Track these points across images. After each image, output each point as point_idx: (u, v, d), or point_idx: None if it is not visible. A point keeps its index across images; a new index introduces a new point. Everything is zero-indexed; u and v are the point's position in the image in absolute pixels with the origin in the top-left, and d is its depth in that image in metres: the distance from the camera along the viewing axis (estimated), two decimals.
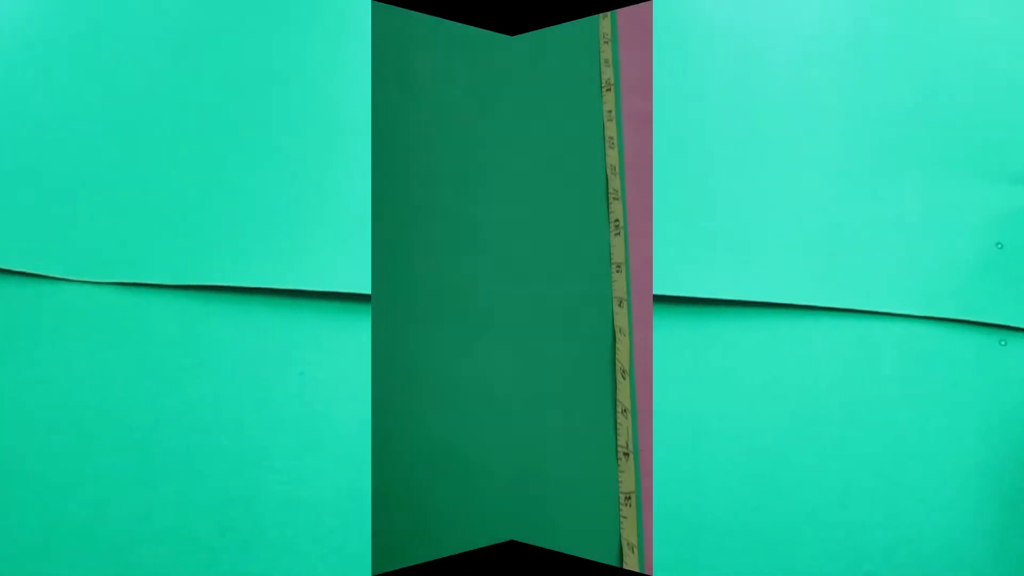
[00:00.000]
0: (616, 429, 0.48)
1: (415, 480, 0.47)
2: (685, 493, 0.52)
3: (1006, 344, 0.55)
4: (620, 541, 0.46)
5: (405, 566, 0.45)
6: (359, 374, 0.55)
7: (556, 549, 0.46)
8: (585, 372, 0.50)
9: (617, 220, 0.52)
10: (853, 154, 0.61)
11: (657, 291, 0.56)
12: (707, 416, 0.54)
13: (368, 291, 0.56)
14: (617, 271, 0.51)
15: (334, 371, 0.55)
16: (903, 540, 0.51)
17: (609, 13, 0.56)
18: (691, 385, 0.55)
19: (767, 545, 0.51)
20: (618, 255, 0.51)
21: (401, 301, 0.50)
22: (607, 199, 0.52)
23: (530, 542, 0.47)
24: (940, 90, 0.64)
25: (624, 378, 0.48)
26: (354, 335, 0.56)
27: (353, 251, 0.57)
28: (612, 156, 0.53)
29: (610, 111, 0.54)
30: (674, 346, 0.56)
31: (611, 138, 0.53)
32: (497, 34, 0.56)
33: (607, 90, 0.54)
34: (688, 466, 0.52)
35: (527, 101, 0.55)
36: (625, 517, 0.46)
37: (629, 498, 0.46)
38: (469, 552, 0.46)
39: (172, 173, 0.61)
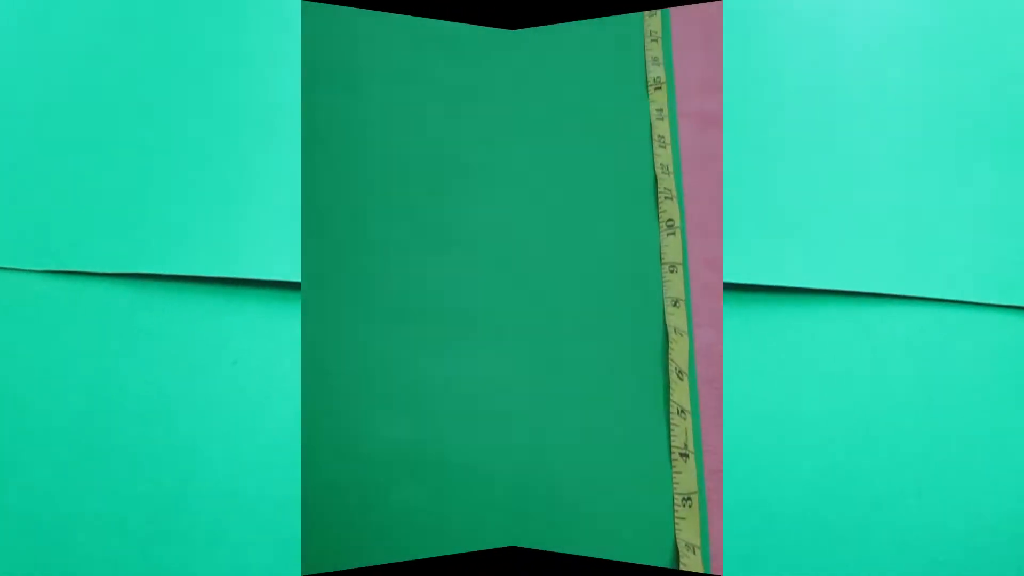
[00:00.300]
0: (670, 431, 0.47)
1: (368, 477, 0.46)
2: (756, 487, 0.51)
3: None
4: (675, 543, 0.45)
5: (373, 564, 0.45)
6: (291, 364, 0.54)
7: (574, 553, 0.46)
8: (594, 373, 0.49)
9: (671, 220, 0.51)
10: (928, 143, 0.60)
11: (728, 279, 0.55)
12: (779, 407, 0.53)
13: (298, 279, 0.55)
14: (671, 271, 0.50)
15: (266, 360, 0.55)
16: (978, 530, 0.49)
17: (658, 11, 0.56)
18: (763, 375, 0.54)
19: (840, 535, 0.50)
20: (673, 255, 0.50)
21: (339, 294, 0.49)
22: (656, 198, 0.52)
23: (536, 546, 0.46)
24: (1015, 80, 0.62)
25: (681, 379, 0.48)
26: (285, 324, 0.56)
27: (283, 239, 0.57)
28: (664, 155, 0.52)
29: (660, 109, 0.53)
30: (745, 336, 0.55)
31: (661, 137, 0.53)
32: (494, 29, 0.56)
33: (656, 88, 0.54)
34: (760, 459, 0.52)
35: (525, 98, 0.55)
36: (683, 518, 0.45)
37: (688, 499, 0.46)
38: (460, 555, 0.46)
39: (104, 161, 0.61)
